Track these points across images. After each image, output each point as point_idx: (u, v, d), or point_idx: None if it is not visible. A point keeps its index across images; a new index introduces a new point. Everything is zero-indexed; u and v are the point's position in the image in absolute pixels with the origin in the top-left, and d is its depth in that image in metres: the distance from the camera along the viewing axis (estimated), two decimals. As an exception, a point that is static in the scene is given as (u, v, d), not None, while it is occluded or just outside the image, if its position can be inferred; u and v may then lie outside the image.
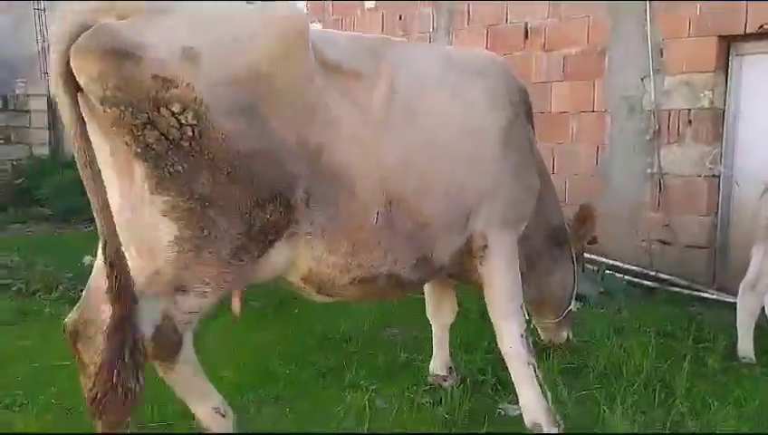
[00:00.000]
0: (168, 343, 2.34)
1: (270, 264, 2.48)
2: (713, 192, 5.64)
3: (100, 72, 2.07)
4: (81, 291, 5.16)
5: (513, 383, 3.17)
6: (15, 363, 3.94)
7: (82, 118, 2.15)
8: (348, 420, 3.15)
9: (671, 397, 3.39)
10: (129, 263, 2.22)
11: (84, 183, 2.20)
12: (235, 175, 2.25)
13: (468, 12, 6.94)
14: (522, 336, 3.04)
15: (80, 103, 2.14)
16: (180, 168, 2.18)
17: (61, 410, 3.27)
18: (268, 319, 4.96)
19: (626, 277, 5.74)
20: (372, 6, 7.75)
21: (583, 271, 4.22)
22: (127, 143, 2.15)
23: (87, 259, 6.14)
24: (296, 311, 5.06)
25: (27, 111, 11.22)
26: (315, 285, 2.68)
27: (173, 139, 2.15)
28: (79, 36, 2.07)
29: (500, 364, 3.80)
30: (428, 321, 3.75)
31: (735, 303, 4.16)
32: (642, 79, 5.84)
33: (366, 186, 2.56)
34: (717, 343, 4.08)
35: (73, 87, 2.12)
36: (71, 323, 2.44)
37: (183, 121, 2.15)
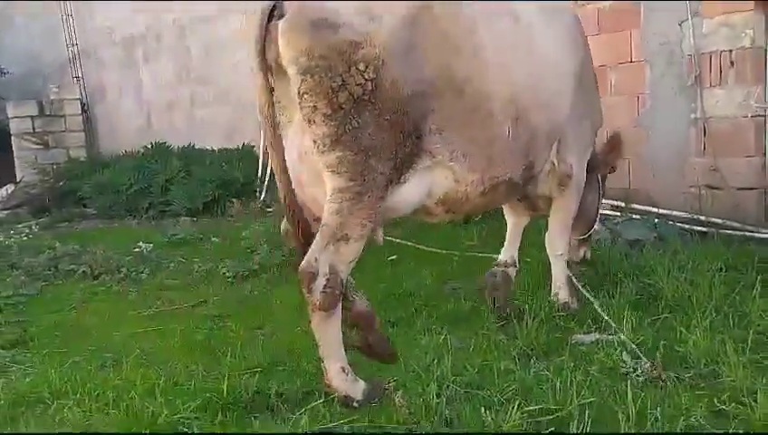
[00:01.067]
0: (333, 295, 2.62)
1: (405, 197, 2.79)
2: (760, 132, 5.58)
3: (309, 45, 2.40)
4: (142, 273, 5.42)
5: (579, 317, 3.56)
6: (98, 333, 4.11)
7: (271, 88, 2.54)
8: (428, 357, 3.21)
9: (745, 319, 3.41)
10: (311, 207, 2.67)
11: (270, 150, 2.62)
12: (394, 120, 2.54)
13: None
14: (569, 243, 3.85)
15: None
16: (356, 123, 2.48)
17: (150, 365, 3.40)
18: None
19: (677, 224, 5.72)
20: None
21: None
22: (316, 107, 2.46)
23: (142, 245, 6.33)
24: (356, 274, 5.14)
25: (62, 116, 11.50)
26: (447, 206, 3.02)
27: (356, 96, 2.45)
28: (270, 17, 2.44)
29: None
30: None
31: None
32: (680, 24, 5.79)
33: (502, 105, 2.92)
34: (784, 271, 4.07)
35: (266, 62, 2.50)
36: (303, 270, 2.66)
37: (366, 77, 2.44)
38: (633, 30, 6.10)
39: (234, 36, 9.68)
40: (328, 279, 2.60)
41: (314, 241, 2.63)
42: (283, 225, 2.93)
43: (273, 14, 2.51)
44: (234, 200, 8.63)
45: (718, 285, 3.82)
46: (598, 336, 3.36)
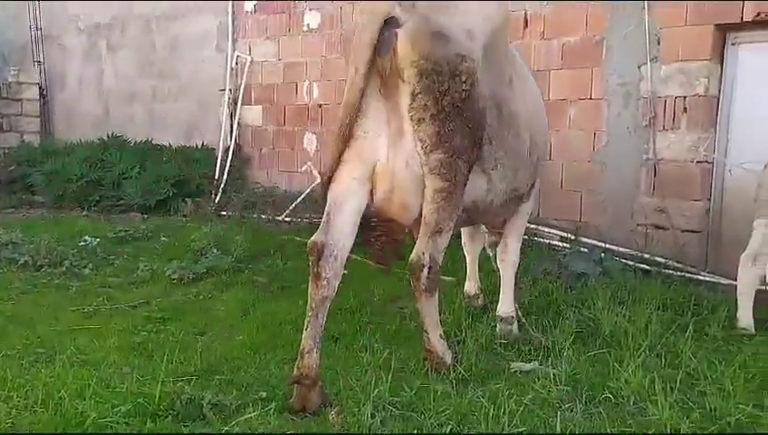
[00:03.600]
0: (435, 278, 3.14)
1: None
2: (706, 178, 5.79)
3: (429, 50, 2.80)
4: (86, 267, 5.30)
5: (520, 343, 3.71)
6: (34, 327, 4.00)
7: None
8: (368, 376, 3.22)
9: (677, 359, 3.52)
10: (393, 213, 3.07)
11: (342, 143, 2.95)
12: (473, 127, 3.02)
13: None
14: (519, 251, 4.20)
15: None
16: (452, 125, 2.90)
17: (83, 364, 3.32)
18: (274, 293, 5.04)
19: (622, 260, 5.86)
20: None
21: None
22: (427, 105, 2.86)
23: (88, 239, 6.19)
24: (303, 286, 5.12)
25: (19, 100, 11.17)
26: (470, 211, 3.41)
27: (455, 102, 2.89)
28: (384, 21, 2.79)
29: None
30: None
31: (728, 284, 4.32)
32: (639, 67, 5.98)
33: (523, 126, 3.52)
34: (716, 314, 4.21)
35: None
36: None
37: (464, 87, 2.89)
38: (594, 68, 6.27)
39: (200, 34, 9.63)
40: (430, 267, 3.09)
41: (419, 238, 3.12)
42: (314, 237, 3.05)
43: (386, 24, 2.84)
44: (188, 200, 8.52)
45: (655, 323, 3.93)
46: (536, 366, 3.41)
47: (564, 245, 6.19)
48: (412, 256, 3.14)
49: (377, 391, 2.98)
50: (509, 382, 3.21)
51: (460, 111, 2.92)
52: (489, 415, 2.77)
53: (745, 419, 2.79)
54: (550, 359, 3.51)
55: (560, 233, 6.42)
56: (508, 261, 4.14)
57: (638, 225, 6.09)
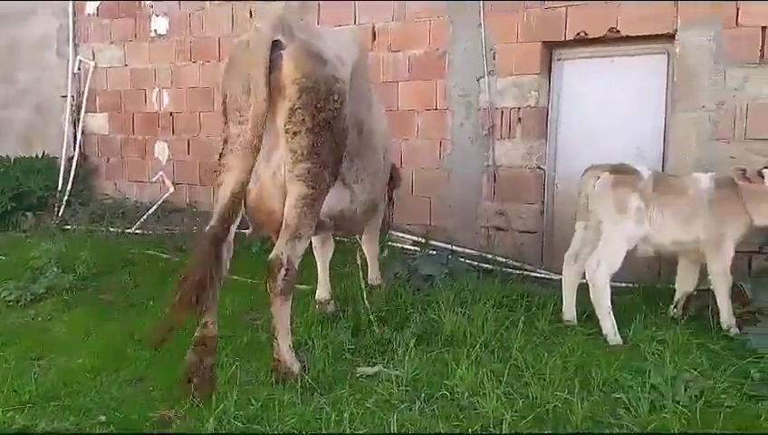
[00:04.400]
0: (290, 283, 3.31)
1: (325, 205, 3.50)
2: (539, 183, 6.30)
3: (310, 69, 3.14)
4: None
5: (368, 347, 3.89)
6: None
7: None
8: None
9: (507, 353, 3.83)
10: (261, 220, 3.45)
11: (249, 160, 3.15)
12: (339, 142, 3.35)
13: (319, 12, 7.20)
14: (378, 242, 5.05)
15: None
16: (322, 139, 3.21)
17: None
18: (121, 312, 4.87)
19: (467, 261, 6.24)
20: (220, 3, 7.77)
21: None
22: (304, 120, 3.16)
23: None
24: (151, 303, 5.00)
25: None
26: (337, 220, 3.77)
27: (328, 118, 3.21)
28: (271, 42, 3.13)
29: (359, 334, 4.13)
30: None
31: (559, 280, 4.75)
32: (478, 79, 6.39)
33: (379, 144, 3.97)
34: (545, 310, 4.61)
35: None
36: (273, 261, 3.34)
37: (337, 105, 3.24)
38: (439, 80, 6.62)
39: (40, 37, 9.03)
40: (287, 270, 3.28)
41: (279, 240, 3.31)
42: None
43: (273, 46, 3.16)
44: (28, 214, 7.97)
45: (490, 320, 4.24)
46: (380, 369, 3.57)
47: (416, 248, 6.48)
48: (271, 255, 3.33)
49: (222, 405, 3.00)
50: (354, 388, 3.35)
51: (331, 127, 3.26)
52: (331, 420, 2.88)
53: (561, 405, 3.11)
54: (393, 361, 3.68)
55: (412, 237, 6.71)
56: (372, 249, 5.07)
57: (481, 227, 6.50)
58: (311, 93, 3.16)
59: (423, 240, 6.55)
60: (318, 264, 4.84)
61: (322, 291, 4.79)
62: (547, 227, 6.37)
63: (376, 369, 3.57)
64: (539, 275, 6.07)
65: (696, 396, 3.15)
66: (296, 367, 3.45)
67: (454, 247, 6.40)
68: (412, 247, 6.54)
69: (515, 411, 3.05)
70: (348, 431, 2.82)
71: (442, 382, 3.38)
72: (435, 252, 6.27)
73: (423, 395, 3.26)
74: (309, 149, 3.22)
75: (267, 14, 3.39)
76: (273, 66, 3.12)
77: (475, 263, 6.23)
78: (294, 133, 3.20)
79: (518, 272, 6.10)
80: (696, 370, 3.46)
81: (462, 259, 6.24)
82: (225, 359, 3.72)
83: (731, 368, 3.48)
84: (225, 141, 3.37)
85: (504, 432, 2.83)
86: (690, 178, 4.32)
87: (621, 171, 4.22)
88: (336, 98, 3.25)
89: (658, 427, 2.89)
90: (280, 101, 3.19)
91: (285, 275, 3.28)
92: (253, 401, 3.14)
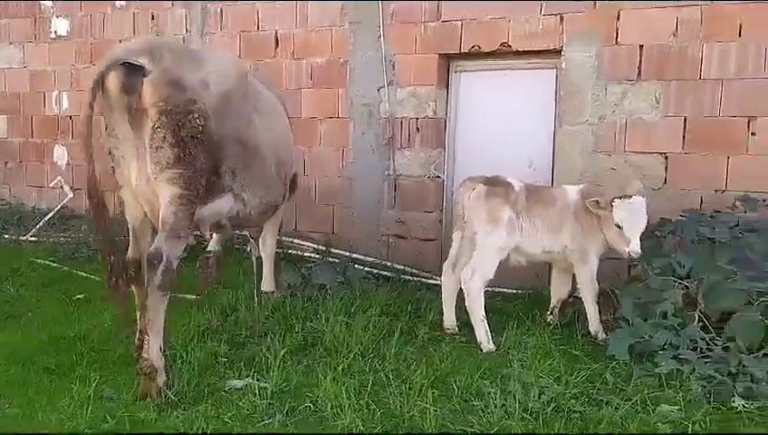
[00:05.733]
0: (169, 279, 3.47)
1: (212, 211, 3.90)
2: (438, 192, 6.43)
3: (168, 95, 3.42)
4: None
5: (244, 359, 3.85)
6: None
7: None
8: (72, 407, 3.16)
9: (382, 361, 3.90)
10: (141, 220, 3.76)
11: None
12: (211, 154, 3.65)
13: (221, 16, 7.13)
14: (275, 243, 5.41)
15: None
16: (191, 150, 3.50)
17: None
18: (-3, 326, 4.69)
19: (367, 268, 6.30)
20: (123, 5, 7.59)
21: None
22: (165, 137, 3.44)
23: None
24: (30, 314, 4.84)
25: None
26: (235, 221, 4.23)
27: (192, 134, 3.50)
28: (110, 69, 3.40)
29: (235, 345, 4.11)
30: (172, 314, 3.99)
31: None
32: (378, 89, 6.47)
33: (269, 154, 4.29)
34: (428, 317, 4.71)
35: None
36: (133, 257, 3.76)
37: (199, 123, 3.52)
38: (340, 88, 6.66)
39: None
40: (166, 266, 3.44)
41: (157, 236, 3.51)
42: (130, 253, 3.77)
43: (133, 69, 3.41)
44: None
45: (371, 329, 4.30)
46: (249, 382, 3.57)
47: (318, 256, 6.50)
48: (151, 248, 3.53)
49: (73, 424, 2.94)
50: (218, 402, 3.34)
51: (198, 140, 3.54)
52: (183, 437, 2.87)
53: (418, 414, 3.18)
54: (265, 373, 3.68)
55: (314, 245, 6.72)
56: (268, 250, 5.31)
57: (383, 235, 6.58)
58: (169, 115, 3.45)
59: (324, 248, 6.58)
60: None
61: (213, 245, 5.61)
62: (446, 235, 6.49)
63: (244, 382, 3.56)
64: (436, 281, 6.18)
65: (547, 402, 3.28)
66: (162, 375, 3.48)
67: (354, 255, 6.46)
68: (314, 255, 6.56)
69: (374, 422, 3.11)
70: (200, 448, 2.81)
71: (309, 394, 3.41)
72: (336, 260, 6.32)
73: (287, 408, 3.28)
74: (175, 159, 3.50)
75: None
76: (133, 89, 3.44)
77: (375, 271, 6.30)
78: (157, 148, 3.48)
79: (416, 279, 6.20)
80: (553, 376, 3.60)
81: (362, 267, 6.30)
82: (92, 375, 3.63)
83: (587, 373, 3.65)
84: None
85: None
86: (559, 191, 4.51)
87: (494, 183, 4.36)
88: (197, 117, 3.53)
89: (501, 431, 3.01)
90: (144, 120, 3.48)
91: (165, 270, 3.43)
92: (108, 418, 3.09)
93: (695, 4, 5.22)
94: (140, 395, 3.39)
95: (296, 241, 6.77)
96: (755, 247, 4.28)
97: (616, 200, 4.14)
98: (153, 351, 3.44)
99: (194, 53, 3.87)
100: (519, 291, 5.66)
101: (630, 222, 4.12)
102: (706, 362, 3.71)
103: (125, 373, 3.73)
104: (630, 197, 4.14)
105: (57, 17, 8.04)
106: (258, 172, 4.18)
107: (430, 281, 6.17)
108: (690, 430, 3.06)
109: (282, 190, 4.74)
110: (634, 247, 4.09)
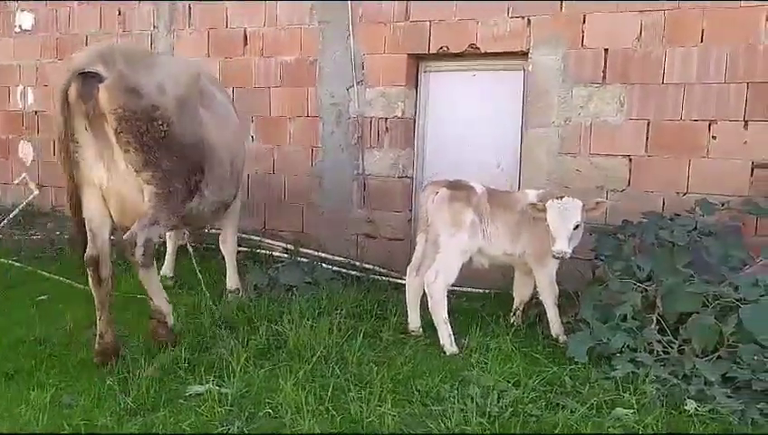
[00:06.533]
0: (150, 256, 3.88)
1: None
2: (406, 192, 6.45)
3: (124, 103, 3.57)
4: None
5: (206, 363, 3.85)
6: None
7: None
8: (27, 416, 3.13)
9: (343, 364, 3.91)
10: (117, 216, 3.94)
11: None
12: (180, 157, 3.87)
13: (189, 14, 7.06)
14: (236, 239, 5.56)
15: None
16: (158, 154, 3.71)
17: None
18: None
19: (335, 268, 6.30)
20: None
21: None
22: (129, 142, 3.63)
23: None
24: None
25: None
26: (188, 219, 4.42)
27: (157, 138, 3.69)
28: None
29: (200, 349, 4.10)
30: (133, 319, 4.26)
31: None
32: (348, 89, 6.47)
33: (224, 153, 4.50)
34: (393, 319, 4.73)
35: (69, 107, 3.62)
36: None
37: (162, 128, 3.71)
38: (310, 87, 6.64)
39: None
40: (145, 247, 3.82)
41: (135, 224, 3.83)
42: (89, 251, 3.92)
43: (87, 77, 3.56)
44: None
45: (335, 332, 4.31)
46: (209, 387, 3.56)
47: (286, 256, 6.49)
48: (126, 235, 3.84)
49: (29, 432, 2.92)
50: (177, 409, 3.33)
51: (164, 144, 3.74)
52: (139, 445, 2.86)
53: (377, 419, 3.21)
54: (226, 378, 3.67)
55: (283, 244, 6.71)
56: (229, 248, 5.44)
57: (352, 234, 6.59)
58: (129, 121, 3.60)
59: (292, 247, 6.57)
60: (168, 246, 5.91)
61: (168, 268, 5.90)
62: (414, 235, 6.50)
63: (205, 388, 3.54)
64: (404, 281, 6.19)
65: (505, 406, 3.33)
66: (170, 319, 4.16)
67: (323, 255, 6.46)
68: (283, 255, 6.54)
69: (333, 428, 3.13)
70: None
71: (267, 400, 3.41)
72: (304, 259, 6.32)
73: (246, 414, 3.28)
74: (144, 162, 3.73)
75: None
76: (90, 96, 3.55)
77: (344, 270, 6.30)
78: (126, 151, 3.69)
79: (385, 279, 6.22)
80: (512, 379, 3.65)
81: (330, 267, 6.30)
82: (52, 381, 3.61)
83: (546, 376, 3.70)
84: None
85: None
86: (520, 195, 4.56)
87: (457, 187, 4.39)
88: (160, 123, 3.71)
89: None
90: (105, 125, 3.65)
91: (143, 252, 3.81)
92: (66, 426, 3.07)
93: (658, 9, 5.29)
94: (153, 343, 4.13)
95: (265, 241, 6.75)
96: (712, 251, 4.37)
97: (549, 202, 4.20)
98: (159, 303, 4.08)
99: (147, 56, 3.99)
100: (486, 291, 5.71)
101: (556, 223, 4.15)
102: (662, 365, 3.79)
103: (84, 379, 3.71)
104: (561, 198, 4.19)
105: (22, 11, 7.91)
106: (214, 171, 4.39)
107: (399, 281, 6.18)
108: (641, 432, 3.13)
109: (233, 189, 4.93)
110: (557, 247, 4.10)
